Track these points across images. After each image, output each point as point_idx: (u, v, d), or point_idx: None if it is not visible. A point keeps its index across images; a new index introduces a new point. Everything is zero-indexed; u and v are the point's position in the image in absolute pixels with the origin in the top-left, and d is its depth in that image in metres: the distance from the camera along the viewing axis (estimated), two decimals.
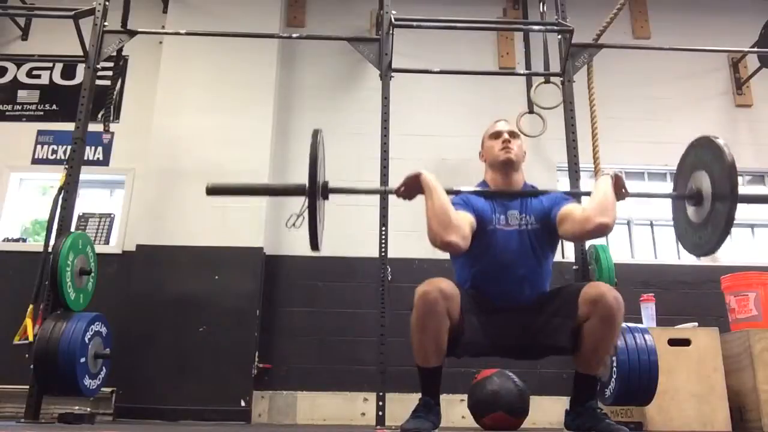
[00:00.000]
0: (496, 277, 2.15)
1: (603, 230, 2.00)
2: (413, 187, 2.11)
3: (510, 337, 2.10)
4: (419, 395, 2.06)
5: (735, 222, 4.90)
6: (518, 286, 2.14)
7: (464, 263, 2.23)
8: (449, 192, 2.11)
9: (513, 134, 2.28)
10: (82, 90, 3.44)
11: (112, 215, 4.49)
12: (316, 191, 2.09)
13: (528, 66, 4.62)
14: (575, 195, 2.39)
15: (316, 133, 2.12)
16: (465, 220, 2.06)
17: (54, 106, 4.72)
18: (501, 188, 2.25)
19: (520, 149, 2.27)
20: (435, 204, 2.00)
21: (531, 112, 4.39)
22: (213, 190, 2.23)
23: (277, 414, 4.03)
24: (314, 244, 2.11)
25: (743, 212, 4.78)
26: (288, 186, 2.32)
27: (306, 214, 2.05)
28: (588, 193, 2.18)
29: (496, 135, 2.28)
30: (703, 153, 2.20)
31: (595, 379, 2.12)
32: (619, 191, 2.13)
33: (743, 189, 4.82)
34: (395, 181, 3.52)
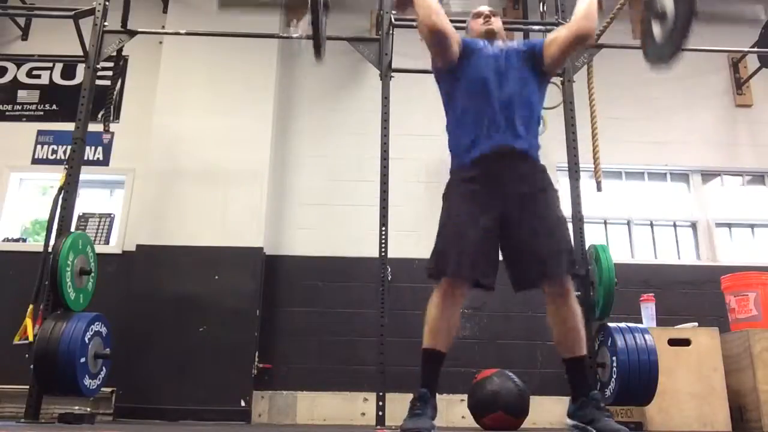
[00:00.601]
0: (487, 97, 2.22)
1: (586, 33, 2.22)
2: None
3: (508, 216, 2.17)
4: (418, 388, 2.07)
5: (735, 222, 4.90)
6: (509, 110, 2.20)
7: (455, 94, 2.32)
8: None
9: (493, 13, 2.45)
10: (82, 90, 3.44)
11: (112, 215, 4.49)
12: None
13: None
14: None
15: None
16: (452, 27, 2.24)
17: (54, 106, 4.72)
18: None
19: (500, 26, 2.45)
20: (425, 1, 2.20)
21: None
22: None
23: (277, 414, 4.03)
24: (318, 52, 2.44)
25: (743, 212, 4.80)
26: None
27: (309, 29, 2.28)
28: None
29: (478, 14, 2.46)
30: None
31: (582, 362, 2.16)
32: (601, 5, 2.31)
33: (743, 189, 4.83)
34: (395, 180, 3.54)
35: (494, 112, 2.19)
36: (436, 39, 2.22)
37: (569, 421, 2.13)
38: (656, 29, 2.42)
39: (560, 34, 2.28)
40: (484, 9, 2.46)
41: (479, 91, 2.23)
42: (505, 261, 2.20)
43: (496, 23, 2.42)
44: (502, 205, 2.14)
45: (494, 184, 2.15)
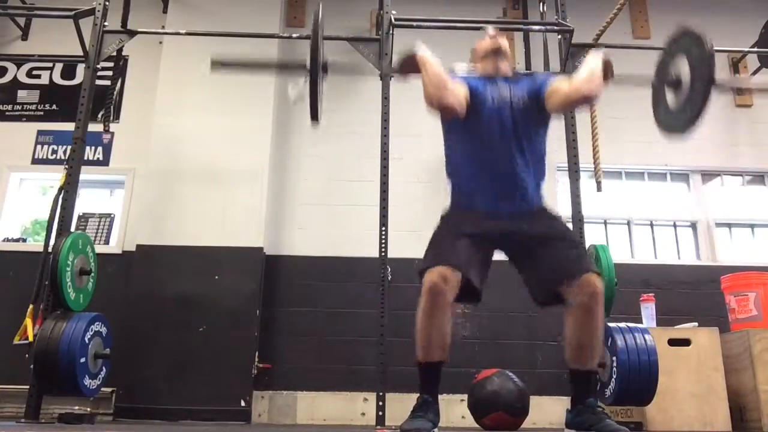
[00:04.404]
0: (492, 156, 2.16)
1: (589, 98, 2.09)
2: (410, 64, 2.23)
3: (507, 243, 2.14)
4: (418, 395, 2.06)
5: (735, 222, 4.89)
6: (514, 168, 2.15)
7: (459, 148, 2.27)
8: None
9: (500, 33, 2.40)
10: (82, 90, 3.44)
11: (112, 215, 4.49)
12: (317, 66, 2.28)
13: (528, 66, 4.63)
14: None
15: (317, 14, 2.42)
16: (459, 87, 2.16)
17: (54, 106, 4.72)
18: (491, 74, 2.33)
19: (507, 45, 2.38)
20: (430, 71, 2.12)
21: None
22: (217, 63, 2.35)
23: (277, 414, 4.03)
24: (314, 115, 2.30)
25: (743, 212, 4.80)
26: (291, 61, 2.51)
27: (307, 92, 2.24)
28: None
29: (484, 36, 2.41)
30: (685, 42, 2.36)
31: (590, 374, 2.13)
32: (606, 71, 2.21)
33: (743, 189, 4.82)
34: (395, 180, 3.54)
35: (498, 171, 2.15)
36: (447, 114, 2.17)
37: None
38: (670, 97, 2.37)
39: (563, 88, 2.14)
40: (491, 31, 2.41)
41: (484, 140, 2.18)
42: (525, 276, 2.15)
43: (503, 42, 2.36)
44: (506, 228, 2.12)
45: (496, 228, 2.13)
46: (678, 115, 2.32)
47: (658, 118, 2.50)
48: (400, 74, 2.28)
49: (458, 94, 2.12)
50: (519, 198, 2.15)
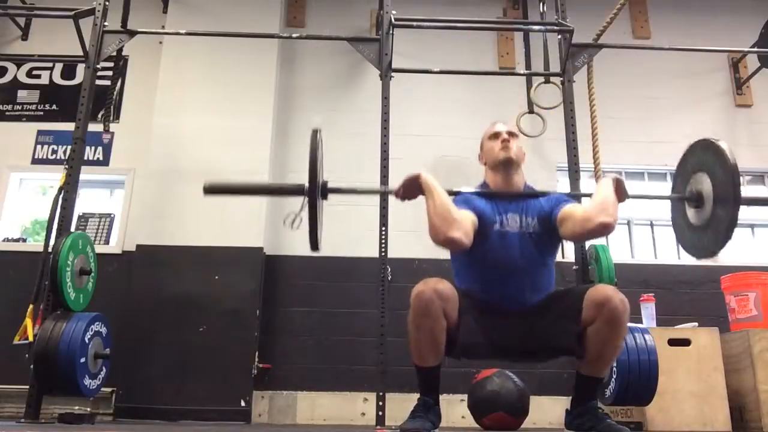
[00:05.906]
0: (498, 279, 2.12)
1: (604, 229, 1.99)
2: (412, 187, 2.10)
3: (511, 339, 2.06)
4: (419, 395, 2.06)
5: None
6: (520, 289, 2.12)
7: (465, 265, 2.20)
8: (449, 193, 2.10)
9: (512, 134, 2.27)
10: (82, 90, 3.45)
11: (112, 215, 4.49)
12: (315, 191, 2.08)
13: (528, 66, 4.62)
14: (575, 197, 2.39)
15: (315, 133, 2.11)
16: (467, 218, 2.04)
17: (54, 106, 4.72)
18: (501, 189, 2.23)
19: (520, 149, 2.25)
20: (436, 202, 1.98)
21: (531, 112, 4.40)
22: (211, 189, 2.19)
23: (277, 414, 4.03)
24: (314, 244, 2.11)
25: (743, 212, 4.78)
26: (286, 186, 2.29)
27: (305, 214, 2.01)
28: (589, 195, 2.17)
29: (495, 135, 2.27)
30: (705, 155, 2.20)
31: (599, 381, 2.11)
32: (620, 194, 2.12)
33: (744, 190, 4.82)
34: (395, 180, 3.53)
35: (508, 287, 2.11)
36: (451, 248, 2.07)
37: None
38: (690, 213, 2.25)
39: (576, 217, 2.05)
40: (502, 129, 2.27)
41: (492, 270, 2.13)
42: (542, 351, 2.12)
43: (515, 148, 2.22)
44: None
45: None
46: (702, 234, 2.17)
47: (680, 234, 2.36)
48: (404, 197, 2.14)
49: (465, 225, 1.99)
50: (525, 304, 2.11)
